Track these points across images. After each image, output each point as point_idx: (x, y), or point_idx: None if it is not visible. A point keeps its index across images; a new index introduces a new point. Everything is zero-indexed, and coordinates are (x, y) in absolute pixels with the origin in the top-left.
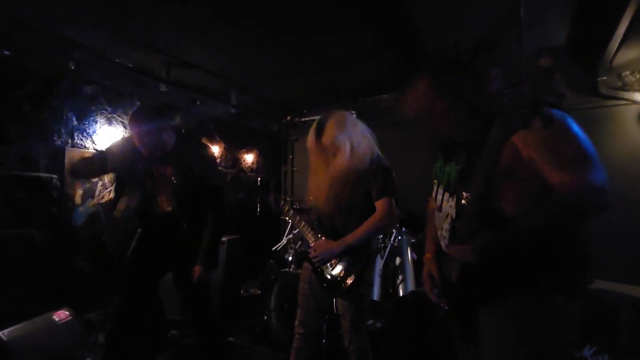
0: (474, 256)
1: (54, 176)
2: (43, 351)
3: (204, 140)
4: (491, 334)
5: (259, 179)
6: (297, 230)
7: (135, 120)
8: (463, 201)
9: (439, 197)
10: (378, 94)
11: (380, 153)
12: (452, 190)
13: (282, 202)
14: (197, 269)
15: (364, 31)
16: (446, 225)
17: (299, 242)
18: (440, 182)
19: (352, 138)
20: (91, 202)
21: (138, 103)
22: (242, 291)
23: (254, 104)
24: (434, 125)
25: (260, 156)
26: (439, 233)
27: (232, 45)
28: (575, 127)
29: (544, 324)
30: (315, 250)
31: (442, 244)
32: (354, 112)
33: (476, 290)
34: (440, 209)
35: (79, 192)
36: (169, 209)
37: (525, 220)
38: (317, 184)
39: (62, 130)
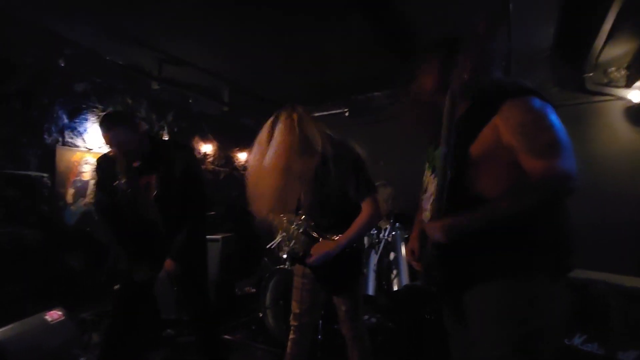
0: (442, 233)
1: (44, 175)
2: (37, 351)
3: (196, 139)
4: (476, 315)
5: None
6: (285, 232)
7: (102, 125)
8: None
9: (427, 179)
10: (371, 92)
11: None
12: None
13: None
14: (168, 263)
15: (357, 28)
16: (429, 206)
17: (293, 241)
18: (430, 164)
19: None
20: (83, 201)
21: (130, 101)
22: (237, 290)
23: (247, 102)
24: (439, 108)
25: None
26: (423, 215)
27: (224, 42)
28: (553, 117)
29: (527, 305)
30: (313, 254)
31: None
32: (346, 109)
33: (458, 271)
34: (426, 190)
35: (71, 191)
36: (151, 214)
37: (497, 202)
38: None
39: (53, 129)
